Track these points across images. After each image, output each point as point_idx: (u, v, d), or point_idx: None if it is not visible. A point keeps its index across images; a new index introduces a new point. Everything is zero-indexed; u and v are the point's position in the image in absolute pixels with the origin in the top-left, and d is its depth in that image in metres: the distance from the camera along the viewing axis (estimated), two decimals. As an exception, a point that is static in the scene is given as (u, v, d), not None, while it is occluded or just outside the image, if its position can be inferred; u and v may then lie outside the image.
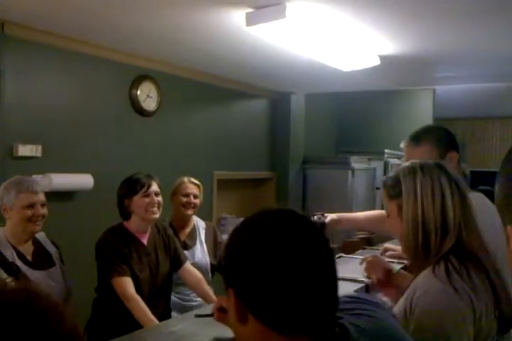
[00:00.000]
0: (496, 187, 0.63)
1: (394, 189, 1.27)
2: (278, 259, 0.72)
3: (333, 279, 0.76)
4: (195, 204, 2.74)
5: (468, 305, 1.11)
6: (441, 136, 1.83)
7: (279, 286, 0.71)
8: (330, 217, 2.29)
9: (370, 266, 2.05)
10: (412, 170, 1.26)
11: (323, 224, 2.25)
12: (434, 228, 1.19)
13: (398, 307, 1.20)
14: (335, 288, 0.76)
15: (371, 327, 0.81)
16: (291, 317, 0.72)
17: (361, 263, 1.99)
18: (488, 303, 1.15)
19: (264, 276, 0.72)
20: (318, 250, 0.76)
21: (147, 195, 2.26)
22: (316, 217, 2.25)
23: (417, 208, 1.21)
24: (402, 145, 1.89)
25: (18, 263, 2.02)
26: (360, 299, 0.90)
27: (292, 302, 0.71)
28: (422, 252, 1.20)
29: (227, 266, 0.80)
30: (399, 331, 0.88)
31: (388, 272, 1.89)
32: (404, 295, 1.19)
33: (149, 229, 2.36)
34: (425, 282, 1.15)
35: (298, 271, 0.72)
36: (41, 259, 2.14)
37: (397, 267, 1.93)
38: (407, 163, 1.31)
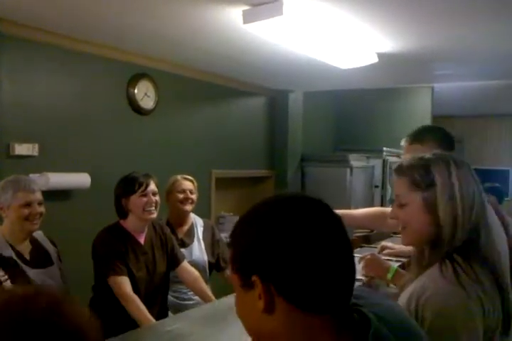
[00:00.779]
0: None
1: (423, 178, 1.19)
2: (303, 242, 0.74)
3: (351, 261, 0.79)
4: (192, 200, 2.74)
5: (478, 303, 1.10)
6: (444, 136, 1.83)
7: (305, 265, 0.74)
8: None
9: (369, 264, 2.04)
10: (445, 161, 1.20)
11: None
12: (461, 224, 1.15)
13: (400, 304, 1.19)
14: (353, 269, 0.79)
15: (389, 316, 0.82)
16: (317, 294, 0.75)
17: (359, 262, 1.98)
18: (495, 301, 1.14)
19: (292, 257, 0.74)
20: (339, 234, 0.79)
21: (145, 195, 2.25)
22: None
23: (456, 199, 1.16)
24: (402, 143, 1.87)
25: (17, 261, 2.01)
26: (368, 289, 0.92)
27: (318, 280, 0.75)
28: (437, 245, 1.17)
29: (248, 253, 0.78)
30: (412, 321, 0.90)
31: (386, 270, 1.89)
32: (407, 294, 1.15)
33: (146, 228, 2.35)
34: (434, 283, 1.13)
35: (322, 252, 0.75)
36: (39, 258, 2.14)
37: (394, 265, 1.93)
38: (433, 154, 1.24)
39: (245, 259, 0.78)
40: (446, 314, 1.08)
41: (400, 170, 1.26)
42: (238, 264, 0.79)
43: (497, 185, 4.95)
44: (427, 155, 1.24)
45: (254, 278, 0.75)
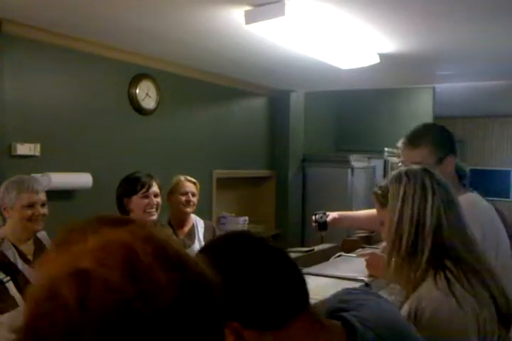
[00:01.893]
0: None
1: (384, 197, 1.29)
2: (249, 276, 0.79)
3: (299, 277, 0.84)
4: (193, 202, 2.74)
5: (472, 313, 1.11)
6: (442, 138, 1.76)
7: (259, 295, 0.79)
8: (331, 215, 2.29)
9: (370, 264, 2.05)
10: (398, 177, 1.28)
11: (324, 223, 2.24)
12: (408, 229, 1.20)
13: (402, 312, 1.20)
14: (302, 282, 0.84)
15: (374, 317, 0.83)
16: (278, 308, 0.79)
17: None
18: (490, 308, 1.15)
19: (243, 293, 0.78)
20: (280, 261, 0.83)
21: (146, 196, 2.25)
22: (317, 216, 2.25)
23: (396, 211, 1.23)
24: (398, 144, 1.83)
25: (19, 262, 2.01)
26: (359, 290, 0.96)
27: (275, 301, 0.79)
28: (406, 258, 1.20)
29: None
30: (401, 319, 0.91)
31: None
32: (406, 308, 1.18)
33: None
34: (428, 294, 1.15)
35: (269, 278, 0.80)
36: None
37: None
38: (395, 172, 1.33)
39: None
40: (435, 324, 1.10)
41: (373, 192, 1.37)
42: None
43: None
44: (394, 172, 1.34)
45: (232, 325, 0.79)
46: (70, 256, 0.47)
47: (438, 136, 1.77)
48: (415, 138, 1.76)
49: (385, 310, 0.89)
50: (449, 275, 1.15)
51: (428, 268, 1.18)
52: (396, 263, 1.23)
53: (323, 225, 2.24)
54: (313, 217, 2.26)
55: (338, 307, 0.86)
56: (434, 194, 1.22)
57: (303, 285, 0.83)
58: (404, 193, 1.24)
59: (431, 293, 1.15)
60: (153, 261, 0.46)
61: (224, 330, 0.54)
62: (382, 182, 1.35)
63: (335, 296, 0.93)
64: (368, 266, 2.08)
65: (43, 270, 0.48)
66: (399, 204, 1.23)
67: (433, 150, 1.71)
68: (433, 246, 1.18)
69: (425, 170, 1.29)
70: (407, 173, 1.28)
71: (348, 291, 0.95)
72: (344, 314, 0.83)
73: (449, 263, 1.17)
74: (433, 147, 1.71)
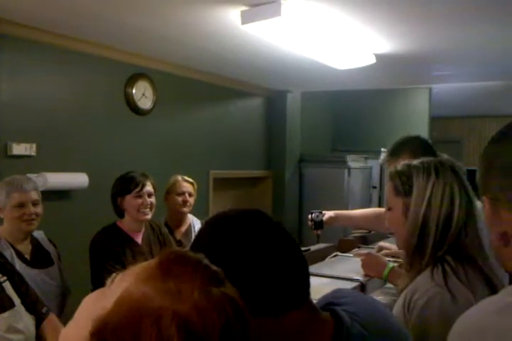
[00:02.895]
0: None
1: (404, 186, 1.25)
2: (254, 258, 0.78)
3: (302, 263, 0.83)
4: (190, 203, 2.74)
5: (466, 307, 1.11)
6: (418, 146, 1.89)
7: (260, 279, 0.77)
8: (327, 214, 2.30)
9: (366, 264, 2.05)
10: (426, 171, 1.24)
11: (321, 222, 2.25)
12: (434, 230, 1.19)
13: (396, 309, 1.21)
14: (305, 270, 0.83)
15: (364, 313, 0.84)
16: (279, 296, 0.78)
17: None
18: None
19: (244, 274, 0.77)
20: (285, 243, 0.82)
21: (140, 196, 2.25)
22: (314, 215, 2.26)
23: (421, 210, 1.20)
24: (380, 161, 1.97)
25: (17, 261, 2.01)
26: (351, 291, 0.97)
27: (275, 287, 0.78)
28: (419, 250, 1.21)
29: None
30: (388, 314, 0.92)
31: (383, 269, 1.90)
32: (402, 297, 1.19)
33: (143, 228, 2.35)
34: (423, 285, 1.16)
35: (273, 262, 0.78)
36: (40, 258, 2.14)
37: (390, 264, 1.93)
38: (420, 161, 1.29)
39: None
40: (426, 316, 1.11)
41: (390, 175, 1.32)
42: None
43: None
44: (415, 162, 1.29)
45: None
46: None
47: (414, 144, 1.91)
48: (394, 150, 1.91)
49: (373, 306, 0.90)
50: (447, 268, 1.16)
51: (429, 263, 1.19)
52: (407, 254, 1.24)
53: (319, 224, 2.25)
54: (310, 216, 2.28)
55: (330, 302, 0.86)
56: (460, 199, 1.21)
57: (307, 276, 0.82)
58: (432, 195, 1.20)
59: (425, 285, 1.16)
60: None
61: None
62: (401, 167, 1.30)
63: (329, 293, 0.94)
64: (364, 265, 2.09)
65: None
66: (424, 206, 1.20)
67: (413, 156, 1.77)
68: (451, 247, 1.19)
69: (453, 170, 1.25)
70: (436, 169, 1.23)
71: (337, 290, 0.96)
72: (335, 307, 0.84)
73: (449, 258, 1.18)
74: (412, 154, 1.81)
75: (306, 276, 0.82)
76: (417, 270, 1.22)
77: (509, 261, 0.70)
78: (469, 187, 1.26)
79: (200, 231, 0.86)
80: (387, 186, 1.32)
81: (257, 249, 0.78)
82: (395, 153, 1.89)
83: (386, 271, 1.89)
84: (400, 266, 1.94)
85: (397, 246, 1.39)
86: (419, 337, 1.10)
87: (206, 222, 0.87)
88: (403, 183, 1.25)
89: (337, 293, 0.92)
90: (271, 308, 0.77)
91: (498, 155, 0.68)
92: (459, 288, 1.13)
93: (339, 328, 0.79)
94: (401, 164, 1.32)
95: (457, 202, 1.20)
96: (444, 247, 1.19)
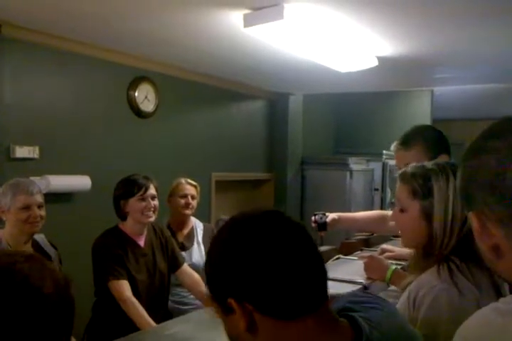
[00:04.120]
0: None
1: (422, 188, 1.25)
2: (264, 255, 0.76)
3: (318, 263, 0.81)
4: (192, 205, 2.74)
5: (473, 303, 1.12)
6: (432, 138, 1.81)
7: (272, 277, 0.76)
8: (331, 216, 2.29)
9: (369, 266, 2.05)
10: (444, 173, 1.24)
11: (324, 224, 2.25)
12: (458, 232, 1.20)
13: (400, 305, 1.21)
14: (322, 270, 0.81)
15: (382, 320, 0.82)
16: (293, 299, 0.76)
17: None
18: (493, 297, 1.16)
19: (257, 272, 0.76)
20: (300, 242, 0.80)
21: (143, 199, 2.25)
22: (317, 217, 2.25)
23: (448, 211, 1.21)
24: (392, 148, 1.88)
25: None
26: (369, 294, 0.95)
27: (288, 288, 0.76)
28: (435, 249, 1.22)
29: (216, 278, 0.81)
30: (407, 324, 0.91)
31: (386, 271, 1.89)
32: (406, 293, 1.20)
33: (146, 231, 2.35)
34: (429, 282, 1.17)
35: (285, 261, 0.77)
36: None
37: (393, 266, 1.93)
38: (435, 163, 1.29)
39: (215, 285, 0.81)
40: (435, 311, 1.11)
41: (404, 176, 1.30)
42: (212, 292, 0.82)
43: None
44: (430, 164, 1.29)
45: (229, 300, 0.77)
46: None
47: (428, 136, 1.82)
48: (406, 140, 1.82)
49: (392, 314, 0.88)
50: (452, 266, 1.17)
51: (435, 261, 1.21)
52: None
53: (323, 226, 2.24)
54: (313, 218, 2.27)
55: (346, 307, 0.85)
56: None
57: (325, 280, 0.81)
58: (454, 196, 1.21)
59: (431, 282, 1.16)
60: None
61: None
62: (413, 169, 1.30)
63: (343, 297, 0.92)
64: (367, 268, 2.08)
65: None
66: (450, 207, 1.21)
67: (424, 149, 1.74)
68: (457, 248, 1.20)
69: None
70: (453, 171, 1.23)
71: (357, 294, 0.95)
72: (352, 314, 0.82)
73: (454, 258, 1.19)
74: (424, 147, 1.76)
75: (322, 280, 0.80)
76: (423, 268, 1.23)
77: (505, 273, 0.69)
78: None
79: (223, 226, 0.86)
80: (401, 188, 1.30)
81: (272, 249, 0.77)
82: (405, 143, 1.81)
83: (389, 274, 1.89)
84: (402, 268, 1.94)
85: (404, 245, 1.39)
86: (430, 334, 1.09)
87: (231, 218, 0.87)
88: (421, 186, 1.25)
89: (352, 297, 0.90)
90: (283, 311, 0.76)
91: (478, 169, 0.67)
92: (465, 284, 1.14)
93: (358, 336, 0.77)
94: (413, 166, 1.31)
95: None
96: (450, 246, 1.20)
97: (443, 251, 1.21)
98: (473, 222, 0.68)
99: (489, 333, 0.64)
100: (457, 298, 1.12)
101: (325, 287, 0.80)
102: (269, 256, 0.76)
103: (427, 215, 1.24)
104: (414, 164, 1.34)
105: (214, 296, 0.81)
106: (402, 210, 1.30)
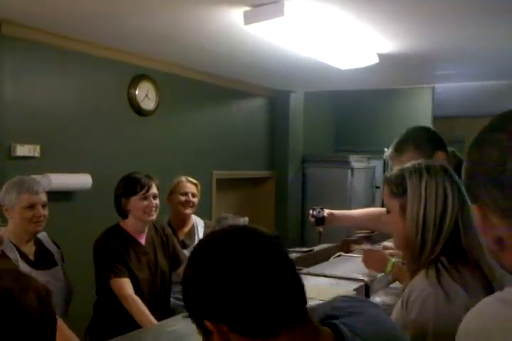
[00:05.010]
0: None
1: (398, 187, 1.29)
2: (235, 277, 0.76)
3: (294, 279, 0.80)
4: (193, 203, 2.74)
5: (460, 305, 1.12)
6: (423, 138, 1.82)
7: (244, 298, 0.76)
8: (328, 211, 2.30)
9: (367, 258, 2.05)
10: (418, 171, 1.27)
11: (322, 218, 2.25)
12: (432, 227, 1.22)
13: (396, 308, 1.23)
14: (299, 285, 0.80)
15: (365, 326, 0.82)
16: (269, 317, 0.76)
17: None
18: (481, 297, 1.15)
19: (230, 293, 0.76)
20: (273, 260, 0.79)
21: (146, 198, 2.25)
22: (315, 211, 2.25)
23: (420, 208, 1.23)
24: (386, 156, 1.90)
25: (21, 263, 2.02)
26: (354, 298, 0.96)
27: (262, 307, 0.76)
28: (418, 250, 1.23)
29: (192, 298, 0.81)
30: (393, 327, 0.91)
31: (384, 264, 1.89)
32: (401, 298, 1.21)
33: (147, 229, 2.35)
34: (419, 285, 1.18)
35: (258, 282, 0.76)
36: (43, 259, 2.14)
37: (392, 259, 1.92)
38: (411, 163, 1.32)
39: (191, 307, 0.81)
40: (423, 316, 1.12)
41: (385, 178, 1.37)
42: (190, 314, 0.83)
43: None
44: (407, 164, 1.33)
45: (205, 322, 0.78)
46: None
47: (418, 137, 1.84)
48: (399, 145, 1.84)
49: (377, 318, 0.88)
50: (441, 267, 1.18)
51: (425, 264, 1.22)
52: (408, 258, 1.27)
53: (321, 220, 2.24)
54: (311, 212, 2.27)
55: (329, 315, 0.84)
56: (453, 197, 1.24)
57: (302, 294, 0.80)
58: (426, 193, 1.23)
59: (420, 285, 1.18)
60: None
61: None
62: (394, 171, 1.34)
63: (328, 303, 0.91)
64: (365, 261, 2.08)
65: None
66: (422, 204, 1.23)
67: (416, 151, 1.75)
68: (445, 249, 1.21)
69: (444, 169, 1.28)
70: (428, 169, 1.27)
71: (342, 299, 0.93)
72: (335, 321, 0.81)
73: (443, 259, 1.20)
74: (416, 148, 1.78)
75: (298, 295, 0.80)
76: (415, 270, 1.24)
77: (510, 265, 0.69)
78: (463, 187, 1.27)
79: (194, 250, 0.85)
80: (384, 190, 1.35)
81: (243, 269, 0.76)
82: (398, 148, 1.84)
83: (389, 266, 1.89)
84: (403, 263, 1.94)
85: (396, 247, 1.41)
86: (419, 337, 1.11)
87: (200, 240, 0.87)
88: (397, 185, 1.29)
89: (337, 303, 0.90)
90: (258, 330, 0.75)
91: (481, 161, 0.67)
92: (451, 285, 1.15)
93: None
94: (395, 168, 1.36)
95: (450, 200, 1.23)
96: (438, 247, 1.21)
97: (424, 251, 1.21)
98: (476, 214, 0.69)
99: (496, 324, 0.64)
100: (443, 300, 1.13)
101: (302, 302, 0.80)
102: (241, 276, 0.76)
103: (404, 214, 1.27)
104: (395, 168, 1.38)
105: (192, 318, 0.82)
106: (388, 211, 1.35)
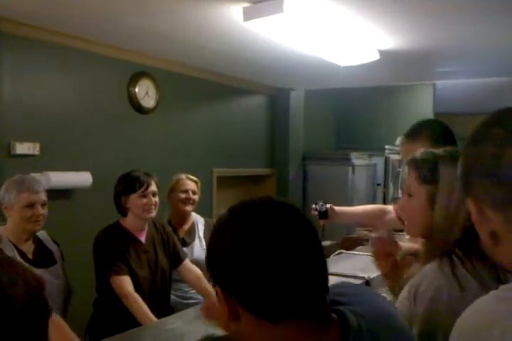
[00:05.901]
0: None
1: (430, 174, 1.24)
2: (260, 250, 0.74)
3: (319, 266, 0.77)
4: (193, 201, 2.74)
5: (474, 298, 1.10)
6: (438, 131, 1.80)
7: (263, 276, 0.73)
8: (330, 205, 2.28)
9: (380, 249, 1.95)
10: (452, 159, 1.22)
11: (325, 212, 2.24)
12: (462, 219, 1.18)
13: (401, 297, 1.20)
14: (322, 271, 0.77)
15: (368, 311, 0.81)
16: (279, 303, 0.74)
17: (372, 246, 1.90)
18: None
19: (247, 268, 0.74)
20: (300, 236, 0.77)
21: (145, 196, 2.24)
22: (318, 205, 2.24)
23: (453, 198, 1.19)
24: (397, 142, 1.87)
25: (20, 261, 2.01)
26: (355, 284, 0.96)
27: (278, 289, 0.73)
28: (441, 239, 1.20)
29: (210, 263, 0.80)
30: (395, 314, 0.90)
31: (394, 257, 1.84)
32: (407, 286, 1.18)
33: (147, 227, 2.35)
34: (430, 276, 1.15)
35: (279, 260, 0.73)
36: (42, 257, 2.14)
37: (401, 252, 1.89)
38: (444, 150, 1.28)
39: (210, 271, 0.80)
40: (435, 308, 1.10)
41: (413, 162, 1.30)
42: (210, 275, 0.82)
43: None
44: (439, 150, 1.28)
45: (216, 289, 0.77)
46: None
47: (435, 129, 1.81)
48: (413, 133, 1.81)
49: (379, 305, 0.87)
50: (455, 259, 1.16)
51: (439, 253, 1.19)
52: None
53: (324, 214, 2.23)
54: (314, 206, 2.26)
55: (334, 300, 0.83)
56: None
57: (324, 284, 0.77)
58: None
59: (432, 276, 1.15)
60: None
61: None
62: (423, 154, 1.28)
63: (331, 288, 0.91)
64: (375, 245, 1.94)
65: None
66: (455, 194, 1.17)
67: (430, 142, 1.73)
68: (460, 240, 1.18)
69: None
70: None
71: (344, 284, 0.93)
72: (341, 308, 0.80)
73: (457, 250, 1.17)
74: (429, 139, 1.74)
75: (320, 285, 0.77)
76: (429, 259, 1.21)
77: (503, 259, 0.69)
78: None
79: (226, 216, 0.82)
80: (408, 173, 1.29)
81: (269, 252, 0.73)
82: (412, 135, 1.80)
83: (399, 257, 1.84)
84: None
85: (409, 233, 1.37)
86: (429, 330, 1.09)
87: (233, 208, 0.83)
88: (428, 171, 1.24)
89: (340, 288, 0.89)
90: (268, 312, 0.74)
91: (477, 155, 0.68)
92: (466, 278, 1.12)
93: (345, 331, 0.76)
94: (422, 152, 1.30)
95: None
96: (450, 238, 1.18)
97: (445, 240, 1.18)
98: (472, 207, 0.69)
99: (492, 321, 0.64)
100: (458, 292, 1.10)
101: (322, 293, 0.77)
102: (265, 259, 0.73)
103: (432, 201, 1.23)
104: (422, 150, 1.32)
105: (210, 277, 0.82)
106: (410, 195, 1.29)
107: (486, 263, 1.16)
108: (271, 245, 0.74)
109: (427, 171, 1.25)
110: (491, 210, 0.66)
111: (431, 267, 1.18)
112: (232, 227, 0.78)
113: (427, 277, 1.16)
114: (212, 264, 0.79)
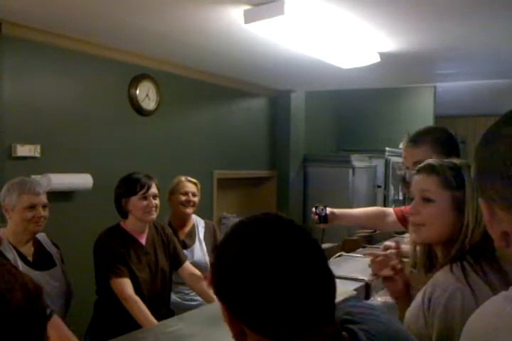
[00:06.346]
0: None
1: (455, 179, 1.26)
2: (265, 269, 0.73)
3: (326, 284, 0.76)
4: (194, 203, 2.74)
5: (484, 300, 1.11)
6: (441, 138, 1.81)
7: (268, 296, 0.72)
8: (329, 210, 2.28)
9: (380, 262, 1.97)
10: (470, 168, 1.26)
11: (325, 216, 2.24)
12: (480, 225, 1.20)
13: (415, 305, 1.20)
14: (329, 291, 0.76)
15: (379, 331, 0.80)
16: (285, 324, 0.72)
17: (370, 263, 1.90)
18: None
19: (250, 289, 0.73)
20: (306, 256, 0.76)
21: (145, 198, 2.24)
22: (318, 209, 2.24)
23: (478, 206, 1.21)
24: (400, 145, 1.87)
25: (20, 263, 2.01)
26: (361, 302, 0.94)
27: (283, 310, 0.72)
28: (463, 244, 1.21)
29: (214, 282, 0.79)
30: (409, 338, 0.88)
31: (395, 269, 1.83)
32: (421, 293, 1.18)
33: (147, 229, 2.35)
34: (443, 282, 1.16)
35: (285, 280, 0.72)
36: (42, 260, 2.14)
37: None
38: (460, 160, 1.31)
39: (215, 288, 0.79)
40: (449, 311, 1.10)
41: (431, 168, 1.31)
42: (214, 290, 0.80)
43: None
44: (455, 160, 1.31)
45: (222, 307, 0.76)
46: None
47: (439, 136, 1.82)
48: (416, 137, 1.82)
49: (391, 325, 0.86)
50: (466, 265, 1.17)
51: (450, 260, 1.20)
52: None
53: (324, 218, 2.23)
54: (314, 210, 2.25)
55: (345, 319, 0.82)
56: None
57: (331, 304, 0.75)
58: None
59: (445, 281, 1.15)
60: None
61: None
62: (441, 161, 1.31)
63: (341, 308, 0.87)
64: (375, 264, 1.95)
65: None
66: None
67: (433, 148, 1.73)
68: (472, 247, 1.20)
69: None
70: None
71: (356, 303, 0.91)
72: (352, 326, 0.79)
73: (468, 257, 1.18)
74: (433, 145, 1.75)
75: (326, 305, 0.75)
76: (444, 264, 1.22)
77: None
78: None
79: (234, 231, 0.80)
80: (428, 179, 1.29)
81: (275, 271, 0.72)
82: (415, 140, 1.81)
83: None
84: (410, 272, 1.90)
85: (421, 239, 1.34)
86: (445, 336, 1.09)
87: (241, 223, 0.81)
88: (453, 177, 1.26)
89: (352, 307, 0.87)
90: (273, 332, 0.72)
91: (489, 156, 0.68)
92: (478, 283, 1.13)
93: None
94: (436, 160, 1.32)
95: None
96: (472, 242, 1.20)
97: (466, 244, 1.20)
98: (483, 209, 0.69)
99: (501, 322, 0.63)
100: (471, 298, 1.11)
101: (329, 312, 0.75)
102: (269, 279, 0.72)
103: (459, 205, 1.24)
104: (433, 159, 1.34)
105: (216, 294, 0.80)
106: (429, 201, 1.29)
107: (495, 268, 1.17)
108: (275, 266, 0.73)
109: (452, 177, 1.27)
110: (502, 211, 0.66)
111: (442, 273, 1.18)
112: (235, 248, 0.77)
113: (440, 284, 1.16)
114: (216, 283, 0.78)
